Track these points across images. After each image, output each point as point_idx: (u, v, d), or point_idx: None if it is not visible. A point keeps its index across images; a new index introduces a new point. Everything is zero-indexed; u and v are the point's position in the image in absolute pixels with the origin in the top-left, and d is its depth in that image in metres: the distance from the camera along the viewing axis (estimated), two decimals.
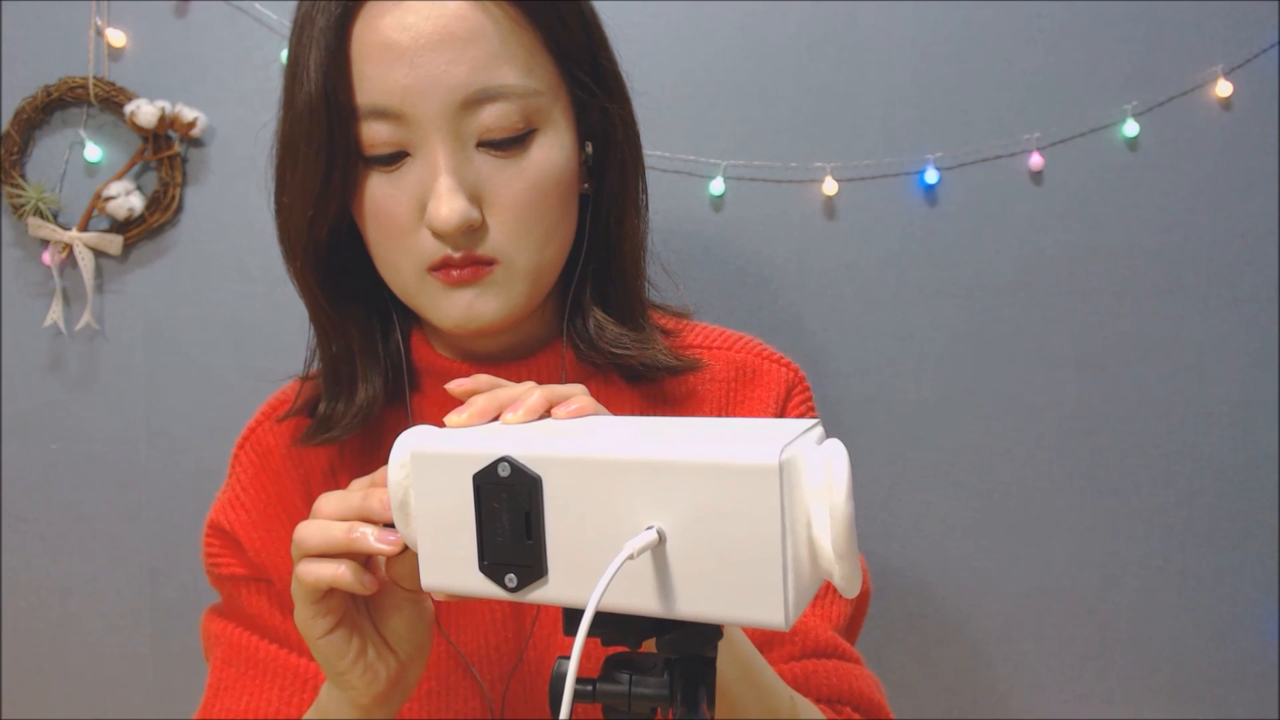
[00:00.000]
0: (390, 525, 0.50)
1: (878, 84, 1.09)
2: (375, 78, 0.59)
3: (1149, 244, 1.10)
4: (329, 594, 0.53)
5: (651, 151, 1.09)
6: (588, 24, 0.65)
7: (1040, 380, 1.12)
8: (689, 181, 1.10)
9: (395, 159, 0.61)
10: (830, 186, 1.09)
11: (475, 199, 0.61)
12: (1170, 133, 1.08)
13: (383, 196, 0.62)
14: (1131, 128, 1.08)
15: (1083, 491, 1.13)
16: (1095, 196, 1.09)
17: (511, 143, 0.61)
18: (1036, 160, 1.08)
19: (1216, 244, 1.10)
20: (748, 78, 1.09)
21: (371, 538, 0.50)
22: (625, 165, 0.68)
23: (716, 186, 1.09)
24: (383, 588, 0.55)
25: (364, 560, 0.53)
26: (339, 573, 0.51)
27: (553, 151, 0.63)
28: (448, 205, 0.59)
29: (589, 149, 0.68)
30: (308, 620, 0.53)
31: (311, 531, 0.52)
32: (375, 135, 0.60)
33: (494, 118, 0.60)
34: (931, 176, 1.08)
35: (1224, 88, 1.07)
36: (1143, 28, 1.07)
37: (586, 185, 0.69)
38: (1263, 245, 1.09)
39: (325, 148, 0.60)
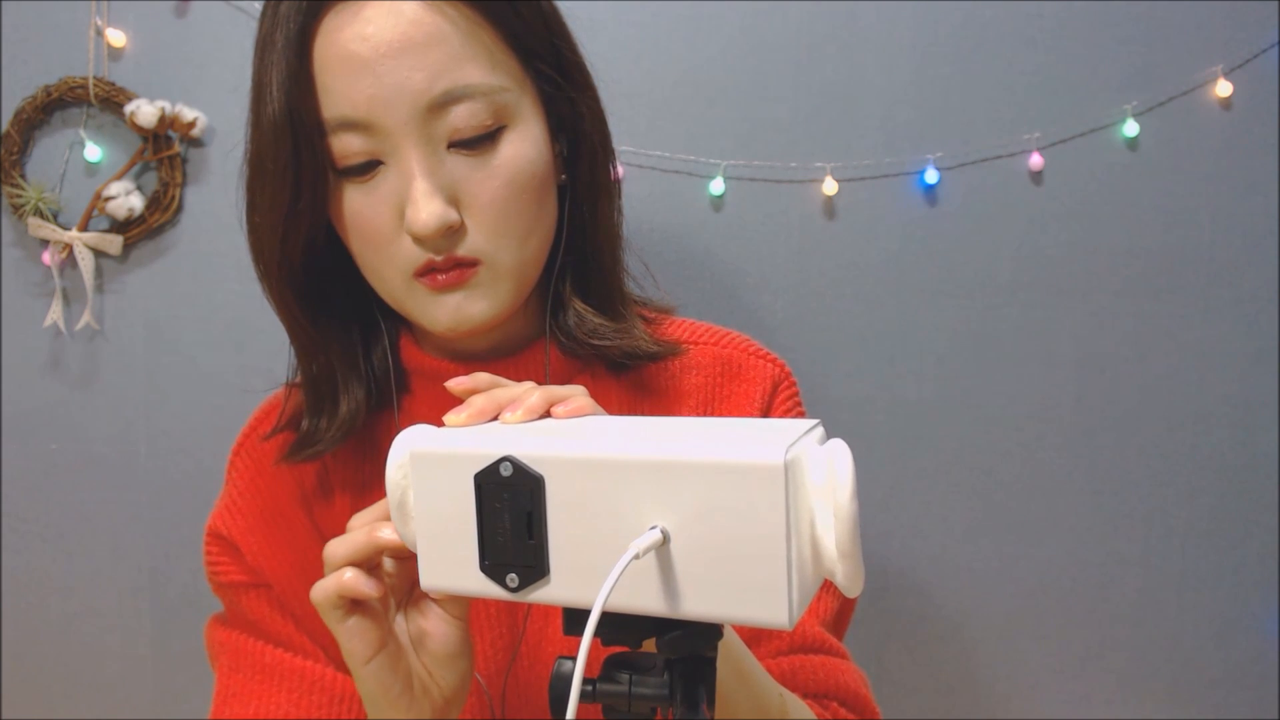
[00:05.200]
0: None
1: (878, 84, 1.09)
2: (340, 91, 0.59)
3: (1149, 244, 1.10)
4: (353, 609, 0.53)
5: (651, 151, 1.09)
6: (547, 17, 0.65)
7: (1040, 380, 1.12)
8: (689, 181, 1.10)
9: (369, 169, 0.61)
10: (830, 186, 1.09)
11: (452, 200, 0.61)
12: (1170, 133, 1.08)
13: (360, 208, 0.62)
14: (1131, 128, 1.08)
15: (1083, 491, 1.13)
16: (1095, 196, 1.09)
17: (482, 141, 0.61)
18: (1036, 160, 1.08)
19: (1216, 244, 1.10)
20: (748, 78, 1.09)
21: (388, 531, 0.52)
22: (595, 154, 0.69)
23: (716, 186, 1.09)
24: (424, 613, 0.56)
25: (370, 567, 0.54)
26: (344, 580, 0.52)
27: (524, 146, 0.63)
28: (425, 209, 0.60)
29: (563, 142, 0.69)
30: (345, 644, 0.53)
31: (335, 545, 0.53)
32: (346, 147, 0.61)
33: (462, 118, 0.60)
34: (931, 176, 1.08)
35: (1224, 88, 1.07)
36: (1143, 28, 1.07)
37: (564, 177, 0.70)
38: (1263, 245, 1.09)
39: (292, 165, 0.60)
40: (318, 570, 0.61)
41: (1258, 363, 1.11)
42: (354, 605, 0.53)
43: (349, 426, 0.68)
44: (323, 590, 0.53)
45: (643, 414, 0.73)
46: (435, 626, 0.56)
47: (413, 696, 0.55)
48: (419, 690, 0.55)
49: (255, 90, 0.62)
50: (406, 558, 0.55)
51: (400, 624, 0.57)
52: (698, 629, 0.44)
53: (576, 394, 0.52)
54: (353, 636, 0.53)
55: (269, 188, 0.62)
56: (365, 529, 0.53)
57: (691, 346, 0.75)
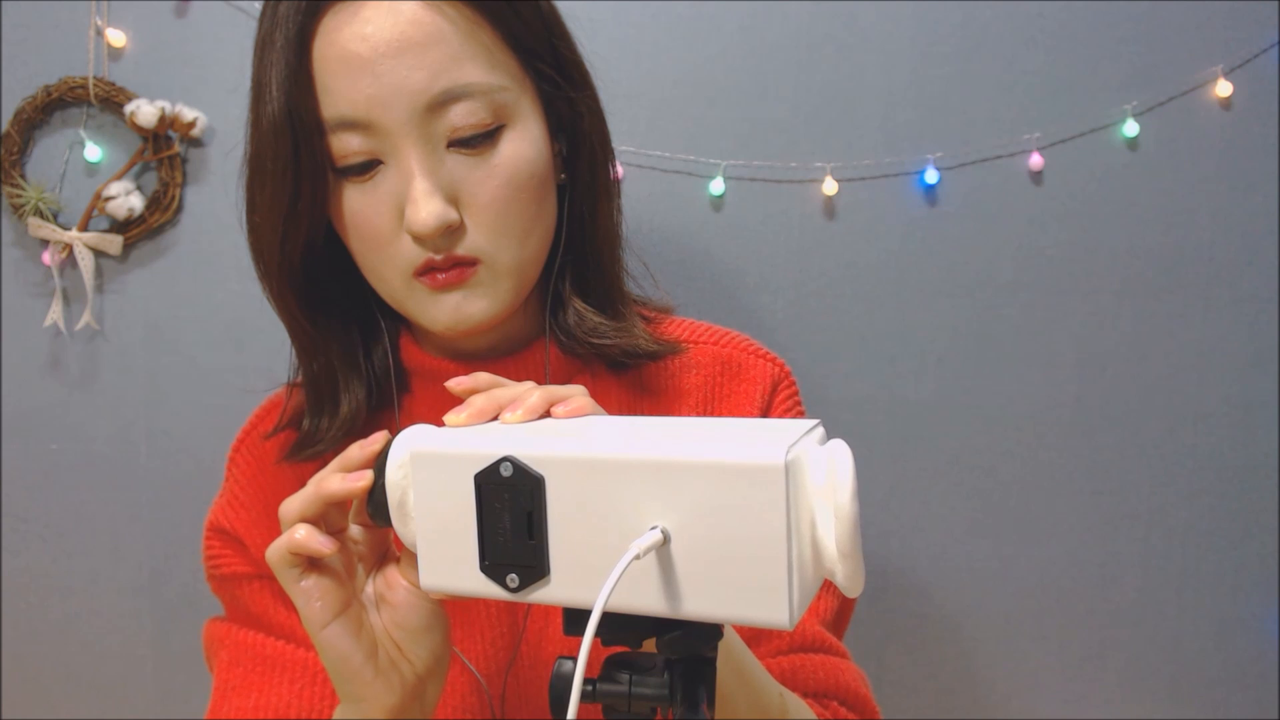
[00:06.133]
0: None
1: (878, 84, 1.09)
2: (339, 90, 0.59)
3: (1149, 244, 1.10)
4: (310, 569, 0.52)
5: (651, 151, 1.09)
6: (546, 16, 0.66)
7: (1040, 380, 1.12)
8: (689, 181, 1.10)
9: (368, 168, 0.62)
10: (830, 186, 1.09)
11: (451, 200, 0.62)
12: (1170, 133, 1.08)
13: (360, 207, 0.62)
14: (1131, 128, 1.08)
15: (1083, 491, 1.13)
16: (1095, 196, 1.09)
17: (481, 140, 0.62)
18: (1036, 160, 1.08)
19: (1216, 244, 1.10)
20: (748, 78, 1.09)
21: (335, 481, 0.51)
22: (594, 154, 0.69)
23: (716, 186, 1.09)
24: (391, 583, 0.55)
25: (330, 530, 0.53)
26: (295, 537, 0.51)
27: (523, 145, 0.63)
28: (425, 209, 0.60)
29: (562, 141, 0.69)
30: (302, 607, 0.52)
31: (288, 503, 0.52)
32: (346, 146, 0.61)
33: (461, 117, 0.60)
34: (931, 176, 1.08)
35: (1224, 88, 1.07)
36: (1143, 28, 1.07)
37: (563, 176, 0.70)
38: (1263, 245, 1.09)
39: (292, 164, 0.60)
40: None
41: (1258, 363, 1.11)
42: (311, 565, 0.52)
43: (350, 426, 0.68)
44: (275, 549, 0.51)
45: (643, 413, 0.73)
46: (402, 598, 0.54)
47: (377, 668, 0.53)
48: (385, 663, 0.54)
49: (255, 90, 0.62)
50: (367, 524, 0.55)
51: (368, 595, 0.55)
52: (698, 629, 0.44)
53: (576, 394, 0.52)
54: (310, 599, 0.51)
55: (269, 188, 0.62)
56: (314, 482, 0.52)
57: (691, 346, 0.75)
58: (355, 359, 0.70)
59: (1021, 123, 1.08)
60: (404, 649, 0.55)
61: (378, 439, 0.52)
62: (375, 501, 0.50)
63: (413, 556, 0.54)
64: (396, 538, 0.52)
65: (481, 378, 0.53)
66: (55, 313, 1.11)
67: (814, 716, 0.64)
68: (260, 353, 1.12)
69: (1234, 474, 1.12)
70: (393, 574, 0.55)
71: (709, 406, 0.74)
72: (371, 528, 0.55)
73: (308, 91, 0.60)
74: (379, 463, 0.50)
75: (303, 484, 0.71)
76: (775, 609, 0.39)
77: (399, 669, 0.55)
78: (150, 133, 1.07)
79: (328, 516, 0.53)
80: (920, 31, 1.08)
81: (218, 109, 1.09)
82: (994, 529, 1.13)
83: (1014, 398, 1.12)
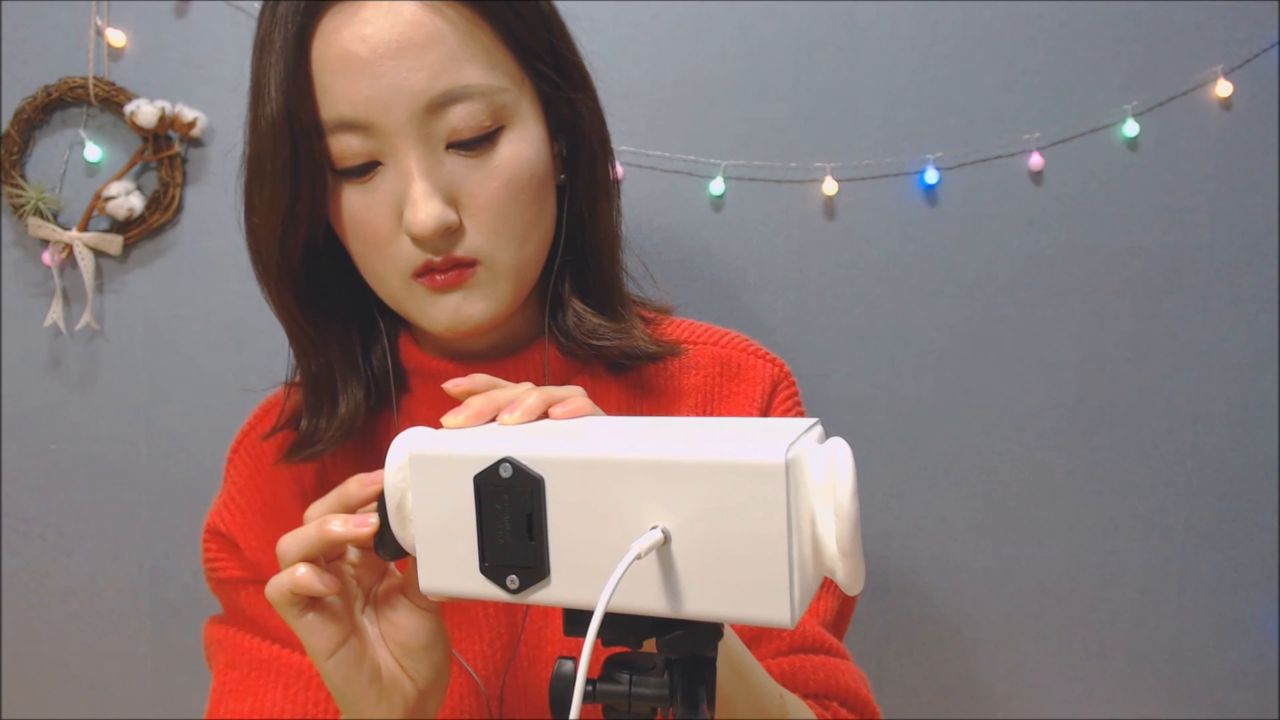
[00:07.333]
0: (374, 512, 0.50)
1: (878, 84, 1.09)
2: (338, 91, 0.59)
3: (1149, 244, 1.10)
4: (311, 606, 0.52)
5: (651, 151, 1.09)
6: (545, 16, 0.66)
7: (1040, 380, 1.12)
8: (689, 181, 1.10)
9: (367, 169, 0.62)
10: (830, 186, 1.09)
11: (451, 201, 0.61)
12: (1170, 133, 1.08)
13: (359, 208, 0.62)
14: (1131, 128, 1.08)
15: (1083, 491, 1.13)
16: (1095, 196, 1.09)
17: (481, 141, 0.61)
18: (1036, 160, 1.08)
19: (1216, 244, 1.10)
20: (748, 78, 1.09)
21: (338, 524, 0.50)
22: (594, 154, 0.69)
23: (716, 186, 1.09)
24: (393, 604, 0.55)
25: (327, 560, 0.52)
26: (296, 577, 0.51)
27: (523, 146, 0.63)
28: (424, 210, 0.60)
29: (562, 142, 0.69)
30: (305, 640, 0.53)
31: (288, 540, 0.52)
32: (345, 148, 0.61)
33: (461, 118, 0.60)
34: (931, 176, 1.08)
35: (1224, 88, 1.07)
36: (1143, 28, 1.07)
37: (563, 177, 0.70)
38: (1263, 245, 1.09)
39: (290, 165, 0.60)
40: None
41: (1258, 363, 1.11)
42: (311, 601, 0.52)
43: (348, 427, 0.68)
44: (276, 588, 0.51)
45: (642, 414, 0.73)
46: (404, 618, 0.55)
47: (381, 689, 0.54)
48: (389, 683, 0.54)
49: (253, 91, 0.62)
50: (368, 547, 0.54)
51: (369, 615, 0.56)
52: (698, 629, 0.44)
53: (574, 394, 0.52)
54: (312, 632, 0.52)
55: (267, 188, 0.62)
56: (316, 524, 0.51)
57: (691, 346, 0.75)
58: (354, 359, 0.70)
59: (1021, 123, 1.08)
60: (406, 667, 0.55)
61: (379, 478, 0.51)
62: (383, 540, 0.50)
63: (416, 576, 0.54)
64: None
65: (479, 379, 0.53)
66: (55, 313, 1.11)
67: (814, 717, 0.64)
68: (260, 353, 1.12)
69: (1234, 474, 1.12)
70: (394, 594, 0.56)
71: (708, 407, 0.74)
72: (369, 549, 0.55)
73: (306, 92, 0.60)
74: (382, 502, 0.50)
75: (300, 485, 0.72)
76: (776, 607, 0.39)
77: (401, 688, 0.55)
78: (150, 133, 1.07)
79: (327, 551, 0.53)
80: (920, 31, 1.08)
81: (218, 109, 1.09)
82: (994, 529, 1.13)
83: (1014, 398, 1.12)
